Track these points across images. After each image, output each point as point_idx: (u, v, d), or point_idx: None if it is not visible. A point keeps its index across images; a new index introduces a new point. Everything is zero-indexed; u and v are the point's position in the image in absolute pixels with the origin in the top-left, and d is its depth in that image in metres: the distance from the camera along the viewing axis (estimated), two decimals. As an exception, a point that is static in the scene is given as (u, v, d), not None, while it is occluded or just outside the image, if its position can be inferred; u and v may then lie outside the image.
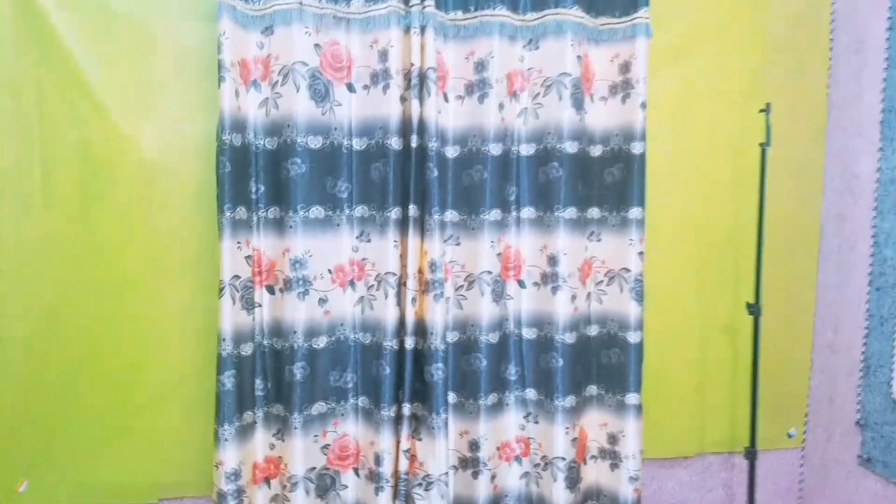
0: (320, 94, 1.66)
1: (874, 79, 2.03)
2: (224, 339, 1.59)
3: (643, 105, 1.84)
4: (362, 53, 1.69)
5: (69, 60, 1.61)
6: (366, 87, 1.71)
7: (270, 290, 1.70)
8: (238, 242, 1.62)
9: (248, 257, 1.65)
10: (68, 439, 1.71)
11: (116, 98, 1.65)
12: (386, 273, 1.72)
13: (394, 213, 1.72)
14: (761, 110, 1.80)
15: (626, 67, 1.86)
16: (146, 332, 1.71)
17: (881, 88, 2.01)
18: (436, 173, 1.69)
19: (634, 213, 1.87)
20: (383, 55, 1.67)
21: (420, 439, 1.77)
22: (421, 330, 1.74)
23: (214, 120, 1.60)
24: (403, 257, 1.73)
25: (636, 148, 1.85)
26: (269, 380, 1.72)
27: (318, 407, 1.74)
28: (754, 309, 1.89)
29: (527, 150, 1.86)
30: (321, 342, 1.72)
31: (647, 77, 1.84)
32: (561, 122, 1.82)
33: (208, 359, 1.67)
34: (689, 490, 2.26)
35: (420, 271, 1.73)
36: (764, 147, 1.80)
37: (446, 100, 1.76)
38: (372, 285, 1.76)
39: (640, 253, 1.88)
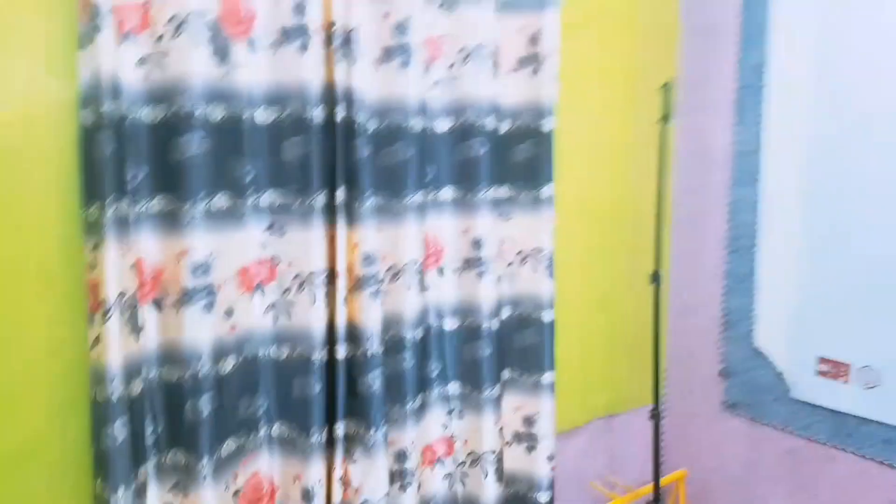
0: (220, 52, 1.26)
1: (727, 59, 2.15)
2: (111, 379, 1.15)
3: (553, 80, 1.72)
4: (267, 5, 1.32)
5: None
6: (273, 45, 1.34)
7: (158, 305, 1.27)
8: (122, 248, 1.17)
9: (133, 266, 1.20)
10: None
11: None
12: (310, 273, 1.39)
13: (318, 200, 1.38)
14: (662, 86, 1.79)
15: (535, 39, 1.73)
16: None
17: (734, 69, 2.13)
18: (367, 151, 1.40)
19: (546, 190, 1.76)
20: (298, 9, 1.32)
21: (354, 461, 1.48)
22: (353, 335, 1.44)
23: (73, 84, 1.12)
24: (333, 251, 1.41)
25: (547, 124, 1.74)
26: (162, 421, 1.29)
27: (229, 446, 1.36)
28: (656, 277, 1.91)
29: (444, 125, 1.64)
30: (228, 365, 1.34)
31: (557, 50, 1.72)
32: (481, 95, 1.63)
33: (79, 404, 1.20)
34: (581, 458, 2.26)
35: (350, 266, 1.43)
36: (665, 122, 1.80)
37: (361, 65, 1.46)
38: (288, 288, 1.41)
39: (552, 231, 1.78)
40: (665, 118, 1.80)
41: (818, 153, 1.93)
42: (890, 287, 1.77)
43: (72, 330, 1.21)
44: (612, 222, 2.20)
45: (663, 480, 2.30)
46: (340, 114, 1.37)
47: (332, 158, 1.40)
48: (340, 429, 1.45)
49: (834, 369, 1.89)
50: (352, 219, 1.42)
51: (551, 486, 1.89)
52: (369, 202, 1.42)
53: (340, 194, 1.40)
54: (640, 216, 2.24)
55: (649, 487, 2.27)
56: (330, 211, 1.41)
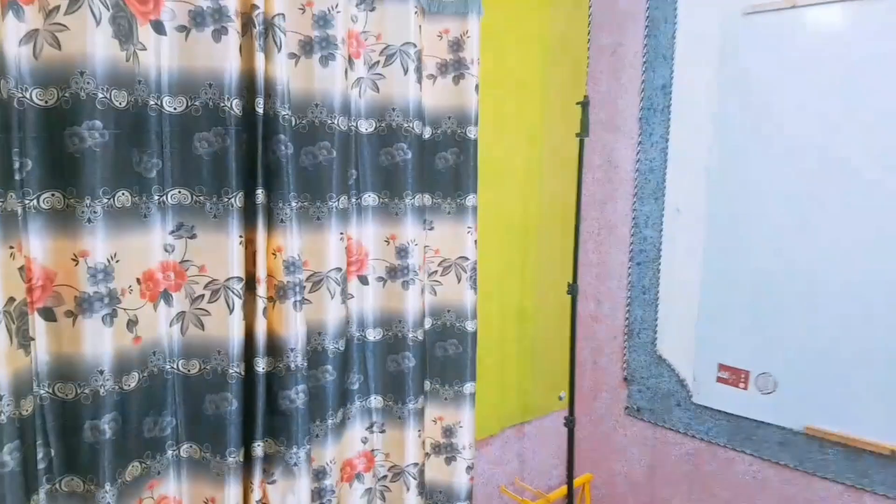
0: (124, 31, 1.11)
1: (633, 80, 2.22)
2: (0, 396, 0.96)
3: (476, 88, 1.69)
4: (181, -17, 1.19)
5: None
6: (183, 28, 1.21)
7: (48, 314, 1.09)
8: (11, 247, 0.99)
9: (21, 269, 1.02)
10: None
11: None
12: (228, 279, 1.25)
13: (236, 200, 1.25)
14: (578, 103, 1.80)
15: (457, 45, 1.69)
16: None
17: (640, 89, 2.20)
18: (290, 149, 1.29)
19: (470, 199, 1.73)
20: (216, -10, 1.19)
21: (273, 482, 1.35)
22: (274, 347, 1.32)
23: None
24: (252, 257, 1.28)
25: (471, 133, 1.71)
26: (56, 443, 1.11)
27: (133, 469, 1.19)
28: (573, 289, 1.92)
29: (366, 126, 1.56)
30: (132, 381, 1.18)
31: (479, 58, 1.69)
32: (406, 98, 1.57)
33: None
34: (493, 465, 2.23)
35: (270, 273, 1.30)
36: (581, 137, 1.81)
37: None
38: (200, 296, 1.27)
39: (475, 241, 1.74)
40: (582, 133, 1.81)
41: (718, 171, 2.03)
42: (783, 298, 1.88)
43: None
44: (526, 233, 2.20)
45: (572, 485, 2.32)
46: (260, 106, 1.25)
47: (249, 155, 1.28)
48: (259, 448, 1.31)
49: (733, 376, 1.98)
50: (272, 222, 1.30)
51: (469, 497, 1.84)
52: (293, 204, 1.30)
53: (261, 195, 1.27)
54: (552, 228, 2.26)
55: (559, 492, 2.28)
56: (248, 213, 1.28)
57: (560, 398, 2.48)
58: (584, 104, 1.81)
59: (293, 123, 1.35)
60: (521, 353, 2.27)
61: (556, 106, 2.20)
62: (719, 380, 2.02)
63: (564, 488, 2.24)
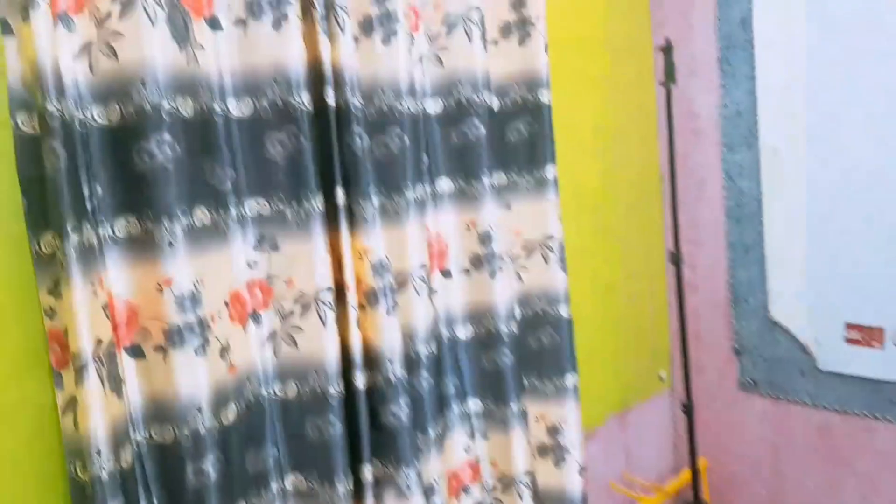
0: (180, 31, 1.08)
1: (706, 19, 2.12)
2: (96, 450, 0.95)
3: (545, 47, 1.62)
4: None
5: None
6: (241, 21, 1.17)
7: (137, 352, 1.08)
8: (92, 283, 0.97)
9: (104, 306, 1.00)
10: None
11: None
12: (316, 291, 1.22)
13: (317, 203, 1.22)
14: (662, 48, 1.72)
15: (519, 2, 1.62)
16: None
17: (715, 27, 2.10)
18: (366, 141, 1.25)
19: (549, 171, 1.66)
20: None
21: (386, 506, 1.33)
22: (371, 359, 1.29)
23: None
24: (338, 263, 1.25)
25: (543, 97, 1.64)
26: (159, 492, 1.10)
27: (239, 510, 1.18)
28: (675, 257, 1.85)
29: (433, 105, 1.51)
30: (230, 414, 1.16)
31: (545, 14, 1.62)
32: (473, 68, 1.52)
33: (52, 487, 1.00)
34: (598, 460, 2.18)
35: (358, 279, 1.27)
36: (668, 85, 1.73)
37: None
38: (290, 311, 1.24)
39: (559, 217, 1.69)
40: (668, 81, 1.73)
41: (815, 108, 1.92)
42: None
43: (31, 394, 1.00)
44: (606, 199, 2.13)
45: (682, 474, 2.26)
46: (331, 98, 1.21)
47: (324, 153, 1.24)
48: (368, 472, 1.29)
49: (864, 335, 1.89)
50: (355, 222, 1.26)
51: (585, 500, 1.79)
52: (374, 201, 1.27)
53: (341, 194, 1.24)
54: (635, 191, 2.19)
55: (677, 482, 2.23)
56: (329, 216, 1.25)
57: (661, 378, 2.42)
58: (667, 49, 1.72)
59: (364, 113, 1.31)
60: (615, 333, 2.21)
61: (624, 56, 2.11)
62: (848, 341, 1.92)
63: (681, 477, 2.19)
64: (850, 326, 1.91)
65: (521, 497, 1.64)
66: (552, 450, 1.77)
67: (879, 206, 1.83)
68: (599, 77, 2.06)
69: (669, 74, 1.73)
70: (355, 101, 1.24)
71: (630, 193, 2.18)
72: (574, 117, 1.99)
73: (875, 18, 1.78)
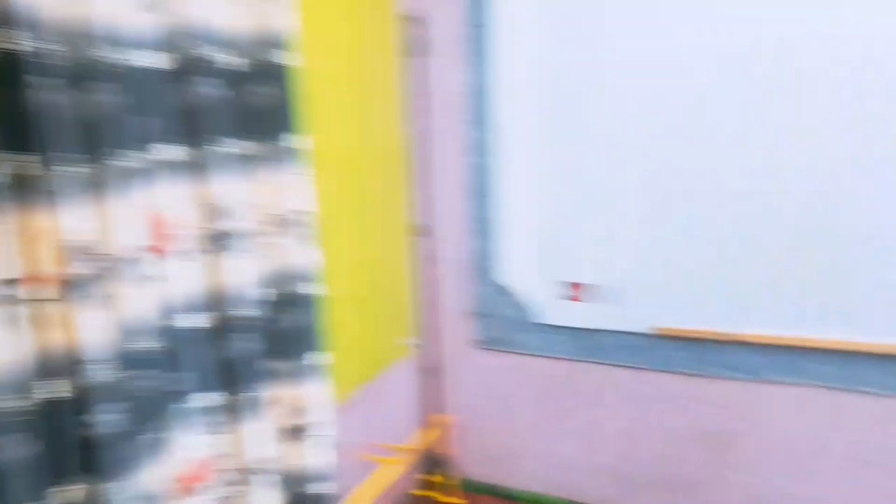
0: None
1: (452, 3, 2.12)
2: None
3: (291, 5, 1.47)
4: None
5: None
6: None
7: None
8: None
9: None
10: None
11: None
12: (-4, 283, 0.96)
13: (-6, 174, 0.95)
14: (407, 21, 1.67)
15: (259, -51, 1.44)
16: None
17: (463, 5, 2.11)
18: (64, 97, 1.00)
19: (296, 141, 1.54)
20: None
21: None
22: (73, 362, 1.06)
23: None
24: (30, 248, 0.99)
25: (287, 59, 1.50)
26: None
27: None
28: (420, 230, 1.84)
29: (160, 60, 1.28)
30: None
31: (289, -34, 1.47)
32: (208, 20, 1.32)
33: None
34: (349, 432, 2.15)
35: (52, 266, 1.03)
36: (412, 60, 1.69)
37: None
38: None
39: (308, 189, 1.57)
40: (413, 54, 1.69)
41: (546, 89, 2.04)
42: (623, 211, 1.99)
43: None
44: (358, 173, 2.05)
45: (430, 431, 2.33)
46: (19, 43, 0.94)
47: (9, 109, 0.97)
48: (70, 493, 1.07)
49: (578, 291, 2.10)
50: (43, 195, 1.01)
51: (333, 476, 1.74)
52: (75, 170, 1.03)
53: (31, 161, 0.98)
54: (386, 166, 2.14)
55: (419, 443, 2.28)
56: (17, 187, 0.98)
57: (406, 345, 2.45)
58: (412, 22, 1.67)
59: (65, 62, 1.05)
60: (364, 306, 2.17)
61: (373, 28, 2.03)
62: (564, 297, 2.13)
63: (426, 436, 2.25)
64: (565, 285, 2.12)
65: (267, 485, 1.53)
66: (301, 430, 1.68)
67: (601, 183, 2.01)
68: (351, 47, 1.96)
69: (415, 48, 1.68)
70: (48, 47, 0.98)
71: (381, 167, 2.13)
72: (326, 88, 1.87)
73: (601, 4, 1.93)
